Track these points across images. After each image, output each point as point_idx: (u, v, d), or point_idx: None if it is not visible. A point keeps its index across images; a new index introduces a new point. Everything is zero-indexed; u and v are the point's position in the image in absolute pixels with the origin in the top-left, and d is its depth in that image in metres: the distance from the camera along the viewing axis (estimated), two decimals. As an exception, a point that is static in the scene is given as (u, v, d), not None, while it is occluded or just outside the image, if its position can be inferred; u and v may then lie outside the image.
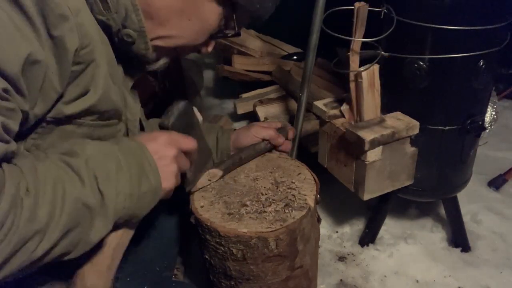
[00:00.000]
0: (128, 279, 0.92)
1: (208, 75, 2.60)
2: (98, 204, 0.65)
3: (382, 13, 1.13)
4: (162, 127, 0.83)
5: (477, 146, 1.33)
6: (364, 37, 1.08)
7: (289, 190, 0.97)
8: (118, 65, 0.80)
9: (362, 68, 1.09)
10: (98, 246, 0.71)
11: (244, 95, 2.09)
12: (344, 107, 1.21)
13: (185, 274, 1.34)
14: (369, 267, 1.38)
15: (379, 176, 1.16)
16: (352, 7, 1.04)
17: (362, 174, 1.15)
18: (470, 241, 1.44)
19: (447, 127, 1.20)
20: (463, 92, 1.16)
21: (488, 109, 1.87)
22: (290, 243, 0.89)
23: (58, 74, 0.64)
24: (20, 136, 0.66)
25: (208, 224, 0.88)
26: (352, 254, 1.44)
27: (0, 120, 0.56)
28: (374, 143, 1.08)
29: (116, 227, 0.71)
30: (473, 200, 1.61)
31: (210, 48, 0.90)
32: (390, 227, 1.51)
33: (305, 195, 0.96)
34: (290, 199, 0.94)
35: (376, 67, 1.09)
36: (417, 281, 1.33)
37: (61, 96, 0.68)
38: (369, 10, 1.05)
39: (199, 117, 0.94)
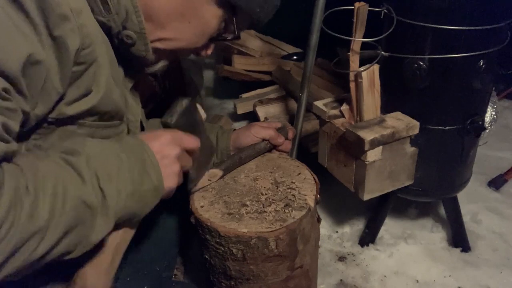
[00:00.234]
0: (128, 279, 0.92)
1: (208, 75, 2.60)
2: (99, 203, 0.64)
3: (382, 13, 1.13)
4: (165, 125, 0.83)
5: (477, 146, 1.33)
6: (364, 37, 1.08)
7: (289, 190, 0.97)
8: (118, 66, 0.80)
9: (362, 68, 1.09)
10: (99, 246, 0.71)
11: (244, 95, 2.09)
12: (344, 107, 1.21)
13: (185, 274, 1.34)
14: (369, 267, 1.38)
15: (379, 176, 1.16)
16: (352, 7, 1.04)
17: (362, 174, 1.15)
18: (470, 241, 1.44)
19: (447, 127, 1.20)
20: (463, 92, 1.16)
21: (488, 109, 1.87)
22: (290, 243, 0.89)
23: (59, 74, 0.64)
24: (22, 136, 0.66)
25: (208, 224, 0.88)
26: (352, 254, 1.44)
27: (1, 120, 0.56)
28: (374, 143, 1.09)
29: (117, 226, 0.71)
30: (473, 200, 1.61)
31: (209, 51, 0.89)
32: (390, 227, 1.51)
33: (305, 195, 0.96)
34: (290, 199, 0.94)
35: (376, 67, 1.10)
36: (417, 281, 1.33)
37: (62, 97, 0.67)
38: (369, 10, 1.05)
39: (203, 114, 0.94)
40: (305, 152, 1.62)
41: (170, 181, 0.76)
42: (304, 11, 1.52)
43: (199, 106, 0.92)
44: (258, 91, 2.11)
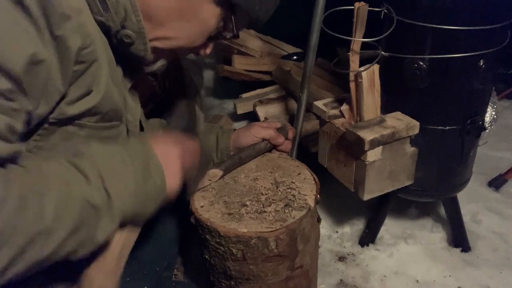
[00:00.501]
0: (128, 279, 0.92)
1: (208, 75, 2.60)
2: (104, 203, 0.65)
3: (382, 13, 1.13)
4: (165, 127, 0.83)
5: (477, 146, 1.33)
6: (364, 37, 1.08)
7: (289, 190, 0.97)
8: (117, 66, 0.80)
9: (362, 68, 1.09)
10: (105, 247, 0.71)
11: (244, 95, 2.09)
12: (344, 107, 1.21)
13: (185, 274, 1.34)
14: (369, 267, 1.38)
15: (379, 176, 1.16)
16: (352, 7, 1.04)
17: (362, 174, 1.15)
18: (470, 241, 1.43)
19: (447, 127, 1.20)
20: (463, 92, 1.16)
21: (488, 109, 1.87)
22: (290, 243, 0.89)
23: (61, 74, 0.64)
24: (22, 137, 0.66)
25: (208, 224, 0.88)
26: (352, 254, 1.44)
27: (6, 121, 0.56)
28: (374, 143, 1.08)
29: (121, 227, 0.71)
30: (473, 200, 1.60)
31: (208, 51, 0.89)
32: (390, 227, 1.51)
33: (305, 195, 0.96)
34: (290, 199, 0.94)
35: (376, 67, 1.09)
36: (417, 281, 1.33)
37: (63, 97, 0.68)
38: (369, 10, 1.05)
39: (201, 116, 0.94)
40: (305, 152, 1.62)
41: (173, 181, 0.76)
42: (304, 11, 1.51)
43: (198, 108, 0.93)
44: (258, 91, 2.11)
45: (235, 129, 1.15)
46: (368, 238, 1.46)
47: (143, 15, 0.75)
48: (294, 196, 0.95)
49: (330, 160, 1.29)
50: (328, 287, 1.32)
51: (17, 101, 0.58)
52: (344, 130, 1.15)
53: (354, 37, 1.08)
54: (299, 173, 1.04)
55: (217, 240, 0.88)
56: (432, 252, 1.42)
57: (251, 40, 2.35)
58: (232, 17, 0.83)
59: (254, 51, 2.27)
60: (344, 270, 1.37)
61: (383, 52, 1.14)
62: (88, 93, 0.71)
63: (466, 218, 1.48)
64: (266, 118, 1.87)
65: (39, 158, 0.63)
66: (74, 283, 0.74)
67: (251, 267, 0.90)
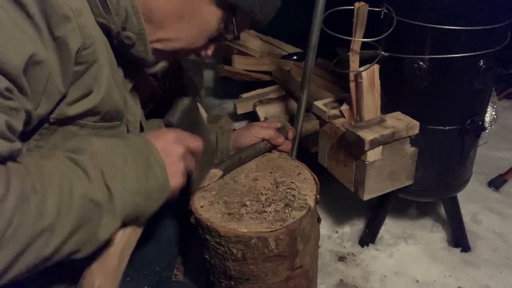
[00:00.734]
0: (128, 279, 0.91)
1: (208, 75, 2.60)
2: (106, 200, 0.64)
3: (382, 13, 1.13)
4: (167, 125, 0.83)
5: (477, 146, 1.33)
6: (364, 37, 1.08)
7: (289, 190, 0.97)
8: (118, 67, 0.80)
9: (362, 68, 1.09)
10: (106, 247, 0.71)
11: (244, 95, 2.09)
12: (344, 107, 1.21)
13: (185, 274, 1.34)
14: (369, 267, 1.38)
15: (379, 176, 1.16)
16: (352, 7, 1.04)
17: (362, 174, 1.15)
18: (470, 241, 1.44)
19: (447, 127, 1.20)
20: (463, 92, 1.16)
21: (488, 109, 1.87)
22: (290, 243, 0.89)
23: (61, 74, 0.64)
24: (23, 137, 0.66)
25: (208, 224, 0.88)
26: (352, 254, 1.44)
27: (4, 119, 0.57)
28: (374, 143, 1.09)
29: (123, 226, 0.71)
30: (473, 200, 1.60)
31: (209, 52, 0.89)
32: (390, 227, 1.51)
33: (305, 195, 0.96)
34: (290, 199, 0.94)
35: (376, 67, 1.10)
36: (417, 281, 1.33)
37: (64, 97, 0.68)
38: (369, 10, 1.05)
39: (204, 114, 0.94)
40: (305, 152, 1.62)
41: (176, 179, 0.75)
42: (304, 11, 1.52)
43: (200, 106, 0.92)
44: (258, 91, 2.11)
45: (235, 129, 1.15)
46: (368, 238, 1.46)
47: (144, 16, 0.75)
48: (294, 196, 0.95)
49: (330, 160, 1.29)
50: (328, 287, 1.32)
51: (16, 100, 0.58)
52: (344, 130, 1.15)
53: (354, 37, 1.08)
54: (299, 173, 1.04)
55: (217, 240, 0.88)
56: (432, 252, 1.42)
57: (251, 40, 2.35)
58: (233, 19, 0.82)
59: (254, 51, 2.27)
60: (344, 270, 1.37)
61: (383, 52, 1.14)
62: (88, 93, 0.71)
63: (466, 218, 1.48)
64: (266, 118, 1.87)
65: (39, 156, 0.63)
66: (74, 283, 0.74)
67: (251, 267, 0.90)
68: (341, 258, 1.42)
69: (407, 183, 1.25)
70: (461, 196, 1.39)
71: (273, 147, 1.13)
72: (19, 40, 0.57)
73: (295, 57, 2.27)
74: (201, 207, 0.94)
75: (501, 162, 1.82)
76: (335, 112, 1.22)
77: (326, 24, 1.17)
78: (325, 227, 1.53)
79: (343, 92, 1.76)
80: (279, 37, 2.42)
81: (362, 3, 1.03)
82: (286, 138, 1.14)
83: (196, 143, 0.81)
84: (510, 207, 1.61)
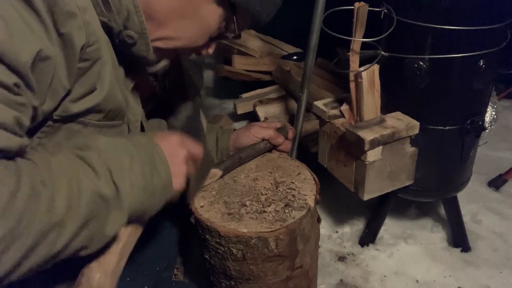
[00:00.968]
0: (128, 279, 0.92)
1: (208, 75, 2.60)
2: (113, 196, 0.64)
3: (382, 13, 1.13)
4: (170, 128, 0.83)
5: (477, 146, 1.33)
6: (364, 37, 1.08)
7: (289, 190, 0.97)
8: (119, 66, 0.80)
9: (362, 68, 1.09)
10: (106, 245, 0.71)
11: (244, 95, 2.09)
12: (344, 107, 1.21)
13: (185, 274, 1.34)
14: (369, 267, 1.38)
15: (379, 176, 1.16)
16: (352, 7, 1.04)
17: (362, 174, 1.15)
18: (470, 241, 1.43)
19: (447, 127, 1.20)
20: (463, 92, 1.16)
21: (488, 109, 1.87)
22: (290, 243, 0.89)
23: (66, 70, 0.65)
24: (27, 134, 0.66)
25: (208, 224, 0.88)
26: (352, 254, 1.44)
27: (14, 114, 0.57)
28: (374, 143, 1.09)
29: (126, 224, 0.71)
30: (473, 200, 1.60)
31: (210, 50, 0.90)
32: (390, 227, 1.51)
33: (305, 195, 0.96)
34: (290, 199, 0.94)
35: (376, 67, 1.10)
36: (417, 281, 1.33)
37: (68, 93, 0.68)
38: (369, 10, 1.05)
39: (204, 121, 0.94)
40: (305, 152, 1.62)
41: (178, 180, 0.76)
42: (304, 11, 1.52)
43: (201, 113, 0.92)
44: (258, 91, 2.11)
45: (235, 129, 1.15)
46: (368, 238, 1.46)
47: (145, 15, 0.75)
48: (294, 196, 0.95)
49: (330, 160, 1.29)
50: (328, 287, 1.32)
51: (24, 96, 0.59)
52: (344, 130, 1.15)
53: (354, 37, 1.08)
54: (299, 173, 1.04)
55: (217, 240, 0.88)
56: (432, 252, 1.42)
57: (251, 40, 2.35)
58: (234, 18, 0.83)
59: (254, 51, 2.27)
60: (344, 270, 1.37)
61: (383, 52, 1.14)
62: (92, 91, 0.72)
63: (466, 218, 1.48)
64: (266, 118, 1.87)
65: (46, 153, 0.63)
66: (73, 281, 0.74)
67: (251, 267, 0.90)
68: (341, 258, 1.42)
69: (407, 183, 1.25)
70: (461, 196, 1.39)
71: (273, 147, 1.13)
72: (27, 36, 0.58)
73: (295, 57, 2.27)
74: (201, 207, 0.94)
75: (501, 162, 1.82)
76: (335, 112, 1.22)
77: (326, 24, 1.17)
78: (325, 227, 1.53)
79: (343, 92, 1.76)
80: (279, 37, 2.42)
81: (362, 3, 1.03)
82: (286, 138, 1.14)
83: (198, 149, 0.82)
84: (510, 207, 1.61)
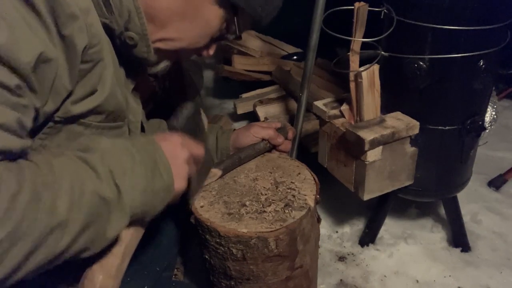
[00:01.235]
0: (128, 279, 0.91)
1: (208, 75, 2.60)
2: (115, 198, 0.64)
3: (382, 13, 1.13)
4: (172, 128, 0.83)
5: (477, 146, 1.33)
6: (364, 37, 1.08)
7: (289, 190, 0.97)
8: (120, 67, 0.80)
9: (362, 68, 1.09)
10: (108, 247, 0.71)
11: (244, 95, 2.09)
12: (344, 107, 1.21)
13: (185, 274, 1.34)
14: (369, 267, 1.38)
15: (379, 176, 1.16)
16: (352, 7, 1.04)
17: (362, 174, 1.15)
18: (470, 241, 1.44)
19: (447, 127, 1.20)
20: (463, 92, 1.16)
21: (488, 109, 1.87)
22: (290, 243, 0.89)
23: (68, 72, 0.65)
24: (28, 135, 0.66)
25: (208, 224, 0.88)
26: (352, 254, 1.44)
27: (16, 116, 0.57)
28: (374, 143, 1.09)
29: (127, 226, 0.71)
30: (473, 200, 1.61)
31: (211, 52, 0.90)
32: (390, 227, 1.51)
33: (305, 195, 0.96)
34: (290, 199, 0.94)
35: (376, 67, 1.10)
36: (417, 281, 1.33)
37: (69, 95, 0.68)
38: (369, 10, 1.05)
39: (205, 120, 0.94)
40: (305, 152, 1.62)
41: (180, 181, 0.75)
42: (304, 11, 1.52)
43: (203, 114, 0.92)
44: (258, 91, 2.11)
45: (234, 129, 1.15)
46: (368, 238, 1.46)
47: (146, 16, 0.75)
48: (294, 196, 0.95)
49: (330, 160, 1.29)
50: (328, 287, 1.32)
51: (26, 97, 0.59)
52: (344, 130, 1.15)
53: (354, 37, 1.08)
54: (299, 173, 1.04)
55: (217, 240, 0.88)
56: (432, 252, 1.42)
57: (251, 40, 2.35)
58: (235, 19, 0.83)
59: (254, 51, 2.27)
60: (344, 270, 1.37)
61: (383, 52, 1.14)
62: (93, 92, 0.72)
63: (466, 218, 1.48)
64: (266, 118, 1.87)
65: (48, 154, 0.63)
66: (76, 282, 0.74)
67: (251, 267, 0.90)
68: (341, 258, 1.42)
69: (407, 183, 1.25)
70: (461, 196, 1.39)
71: (273, 147, 1.13)
72: (29, 38, 0.58)
73: (295, 57, 2.27)
74: (201, 207, 0.94)
75: (501, 162, 1.82)
76: (335, 112, 1.22)
77: (326, 24, 1.17)
78: (325, 227, 1.53)
79: (343, 92, 1.76)
80: (279, 37, 2.42)
81: (362, 3, 1.03)
82: (286, 138, 1.13)
83: (199, 150, 0.81)
84: (510, 207, 1.61)
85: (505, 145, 1.97)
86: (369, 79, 1.10)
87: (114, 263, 0.73)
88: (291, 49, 2.36)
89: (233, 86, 2.33)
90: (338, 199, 1.60)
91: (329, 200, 1.59)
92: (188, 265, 1.35)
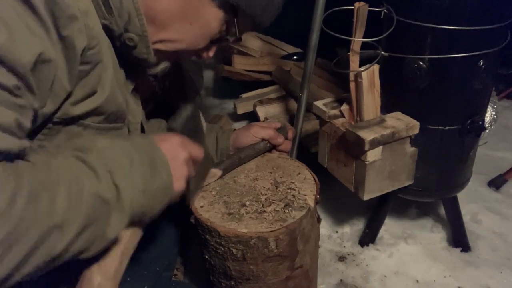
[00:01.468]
0: (128, 279, 0.91)
1: (208, 75, 2.60)
2: (114, 199, 0.64)
3: (382, 13, 1.13)
4: (170, 129, 0.83)
5: (477, 146, 1.33)
6: (364, 37, 1.08)
7: (289, 190, 0.97)
8: (120, 68, 0.80)
9: (362, 68, 1.09)
10: (106, 248, 0.70)
11: (244, 95, 2.09)
12: (344, 107, 1.21)
13: (185, 274, 1.34)
14: (369, 267, 1.38)
15: (379, 176, 1.16)
16: (352, 7, 1.04)
17: (362, 174, 1.15)
18: (470, 241, 1.44)
19: (447, 127, 1.20)
20: (463, 92, 1.16)
21: (488, 109, 1.87)
22: (290, 243, 0.89)
23: (67, 73, 0.65)
24: (27, 136, 0.66)
25: (208, 224, 0.88)
26: (352, 254, 1.44)
27: (14, 116, 0.57)
28: (374, 143, 1.09)
29: (126, 227, 0.71)
30: (473, 200, 1.61)
31: (211, 54, 0.90)
32: (390, 227, 1.51)
33: (305, 195, 0.96)
34: (290, 199, 0.94)
35: (376, 67, 1.10)
36: (417, 281, 1.33)
37: (68, 96, 0.68)
38: (369, 10, 1.05)
39: (203, 122, 0.94)
40: (305, 152, 1.62)
41: (179, 182, 0.75)
42: (304, 11, 1.52)
43: (202, 115, 0.92)
44: (258, 91, 2.11)
45: (234, 129, 1.15)
46: (368, 238, 1.46)
47: (146, 18, 0.75)
48: (294, 196, 0.95)
49: (330, 160, 1.29)
50: (328, 287, 1.32)
51: (24, 98, 0.59)
52: (344, 130, 1.15)
53: (354, 37, 1.08)
54: (299, 173, 1.04)
55: (217, 240, 0.88)
56: (432, 252, 1.42)
57: (251, 40, 2.35)
58: (235, 21, 0.83)
59: (254, 51, 2.27)
60: (344, 270, 1.37)
61: (383, 52, 1.14)
62: (92, 93, 0.72)
63: (466, 218, 1.48)
64: (266, 118, 1.87)
65: (47, 155, 0.63)
66: (75, 284, 0.74)
67: (251, 267, 0.90)
68: (341, 258, 1.42)
69: (407, 183, 1.25)
70: (461, 196, 1.39)
71: (273, 147, 1.13)
72: (28, 39, 0.58)
73: (295, 57, 2.27)
74: (201, 207, 0.94)
75: (501, 162, 1.82)
76: (335, 112, 1.22)
77: (326, 24, 1.17)
78: (325, 227, 1.53)
79: (343, 92, 1.76)
80: (279, 37, 2.42)
81: (362, 3, 1.03)
82: (286, 138, 1.13)
83: (198, 151, 0.81)
84: (510, 207, 1.61)
85: (505, 145, 1.97)
86: (369, 79, 1.10)
87: (113, 265, 0.73)
88: (291, 49, 2.36)
89: (233, 86, 2.33)
90: (338, 199, 1.60)
91: (329, 200, 1.59)
92: (188, 265, 1.35)
